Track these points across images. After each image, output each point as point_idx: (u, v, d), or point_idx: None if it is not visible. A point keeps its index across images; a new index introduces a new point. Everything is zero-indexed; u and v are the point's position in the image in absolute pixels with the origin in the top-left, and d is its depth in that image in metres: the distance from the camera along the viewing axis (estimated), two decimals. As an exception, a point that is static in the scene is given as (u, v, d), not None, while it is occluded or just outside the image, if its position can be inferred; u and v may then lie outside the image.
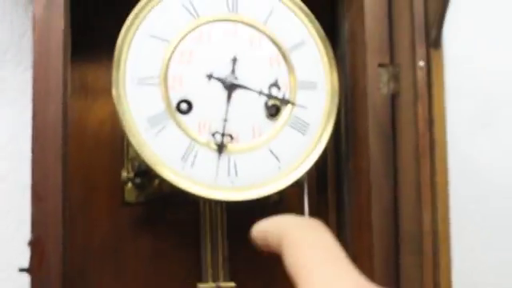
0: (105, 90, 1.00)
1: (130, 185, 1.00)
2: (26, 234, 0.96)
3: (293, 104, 0.90)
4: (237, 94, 0.90)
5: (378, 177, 0.91)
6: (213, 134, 0.88)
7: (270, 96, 0.89)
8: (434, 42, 0.91)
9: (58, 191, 0.81)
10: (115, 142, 1.01)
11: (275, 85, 0.90)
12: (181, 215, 1.02)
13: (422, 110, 0.91)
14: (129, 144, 0.99)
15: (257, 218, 1.00)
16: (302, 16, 0.94)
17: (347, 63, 1.00)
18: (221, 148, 0.88)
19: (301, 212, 0.98)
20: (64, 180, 0.82)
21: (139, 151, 0.86)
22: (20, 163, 1.02)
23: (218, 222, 0.96)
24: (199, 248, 0.97)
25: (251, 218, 1.00)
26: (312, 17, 0.94)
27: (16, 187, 1.01)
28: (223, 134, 0.88)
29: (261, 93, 0.89)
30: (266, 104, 0.90)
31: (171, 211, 1.02)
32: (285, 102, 0.90)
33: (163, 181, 0.86)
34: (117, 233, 1.02)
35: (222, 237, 0.96)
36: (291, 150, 0.91)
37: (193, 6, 0.90)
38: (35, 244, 0.80)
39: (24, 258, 0.95)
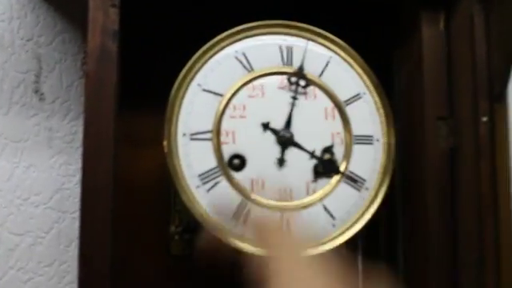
0: (153, 141, 0.98)
1: (176, 237, 0.98)
2: (69, 286, 0.94)
3: (342, 174, 0.86)
4: (290, 150, 0.87)
5: (436, 239, 0.87)
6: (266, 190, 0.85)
7: (321, 161, 0.86)
8: (497, 96, 0.87)
9: (105, 251, 0.79)
10: (162, 193, 0.98)
11: (329, 151, 0.86)
12: (225, 268, 0.98)
13: (484, 166, 0.87)
14: (176, 196, 0.97)
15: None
16: (358, 68, 0.91)
17: (404, 116, 0.96)
18: (274, 205, 0.85)
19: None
20: (111, 240, 0.80)
21: (190, 208, 0.83)
22: (65, 214, 1.00)
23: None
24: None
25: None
26: (368, 69, 0.91)
27: (60, 239, 0.99)
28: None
29: (313, 156, 0.86)
30: (315, 167, 0.86)
31: (215, 264, 0.99)
32: (334, 170, 0.86)
33: (215, 238, 0.83)
34: (162, 285, 0.99)
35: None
36: (346, 207, 0.87)
37: (247, 59, 0.88)
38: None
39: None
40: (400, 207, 0.95)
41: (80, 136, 1.01)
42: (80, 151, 0.98)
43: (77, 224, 0.96)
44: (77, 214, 1.00)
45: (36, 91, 1.01)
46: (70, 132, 1.01)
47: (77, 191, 1.00)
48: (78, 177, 1.01)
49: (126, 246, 0.96)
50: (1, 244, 0.98)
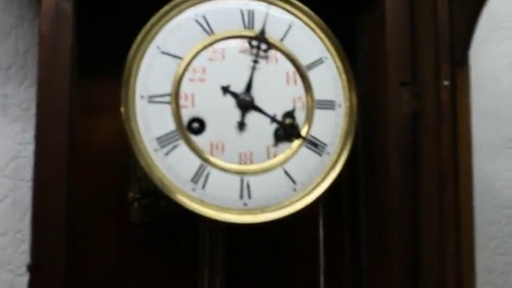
0: (112, 107, 0.96)
1: (135, 205, 0.96)
2: (25, 255, 0.92)
3: (303, 138, 0.85)
4: (251, 113, 0.85)
5: (398, 202, 0.87)
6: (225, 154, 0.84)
7: (282, 126, 0.85)
8: (459, 60, 0.87)
9: (60, 211, 0.77)
10: (122, 162, 0.97)
11: (290, 115, 0.85)
12: (184, 235, 0.97)
13: (445, 131, 0.87)
14: (136, 164, 0.95)
15: (259, 240, 0.97)
16: (320, 33, 0.90)
17: (366, 81, 0.95)
18: (234, 169, 0.83)
19: (314, 236, 0.94)
20: (67, 200, 0.78)
21: (148, 172, 0.81)
22: (21, 182, 0.98)
23: (217, 243, 0.92)
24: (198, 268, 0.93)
25: (253, 238, 0.97)
26: (330, 33, 0.91)
27: (15, 207, 0.97)
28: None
29: (274, 120, 0.85)
30: (276, 131, 0.85)
31: (175, 231, 0.98)
32: (295, 135, 0.85)
33: (173, 203, 0.82)
34: (121, 252, 0.97)
35: (222, 257, 0.92)
36: (307, 171, 0.86)
37: (207, 22, 0.86)
38: (35, 268, 0.76)
39: (24, 280, 0.91)
40: (362, 172, 0.95)
41: (37, 103, 0.99)
42: (37, 119, 0.96)
43: (34, 192, 0.94)
44: (34, 182, 0.97)
45: (-10, 57, 0.99)
46: (25, 99, 0.99)
47: (34, 159, 0.98)
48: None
49: (86, 212, 0.95)
50: (-46, 212, 0.95)
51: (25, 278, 0.91)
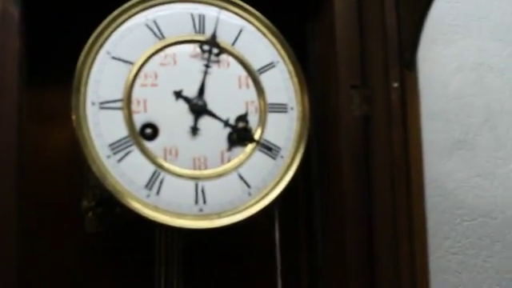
0: (63, 114, 0.95)
1: (90, 214, 0.95)
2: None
3: (257, 142, 0.86)
4: (204, 118, 0.85)
5: (352, 203, 0.88)
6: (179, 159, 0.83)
7: (235, 130, 0.85)
8: (407, 63, 0.89)
9: (12, 223, 0.76)
10: (75, 170, 0.95)
11: (243, 119, 0.86)
12: (140, 243, 0.96)
13: (396, 131, 0.88)
14: (89, 171, 0.94)
15: (216, 244, 0.97)
16: (272, 37, 0.91)
17: (317, 86, 0.96)
18: (188, 174, 0.83)
19: (270, 240, 0.94)
20: (18, 211, 0.77)
21: (101, 179, 0.81)
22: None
23: (173, 250, 0.92)
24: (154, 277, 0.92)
25: (209, 243, 0.97)
26: (282, 38, 0.91)
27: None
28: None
29: (227, 124, 0.85)
30: (229, 135, 0.86)
31: (131, 239, 0.97)
32: (249, 139, 0.85)
33: (127, 210, 0.81)
34: (77, 263, 0.96)
35: (178, 264, 0.91)
36: (261, 175, 0.87)
37: (158, 27, 0.86)
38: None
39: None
40: (316, 174, 0.95)
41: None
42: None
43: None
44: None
45: None
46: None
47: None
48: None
49: (39, 221, 0.93)
50: None
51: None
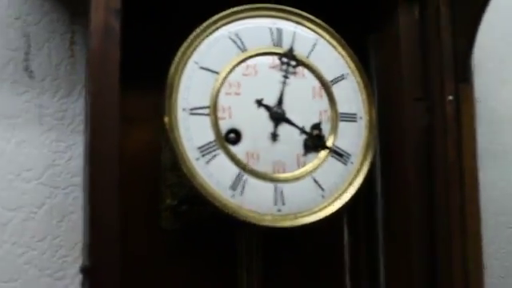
0: (141, 119, 1.02)
1: (167, 212, 1.01)
2: (62, 259, 0.97)
3: (329, 149, 0.93)
4: (282, 125, 0.92)
5: (415, 206, 0.95)
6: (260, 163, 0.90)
7: (310, 137, 0.92)
8: (462, 77, 0.96)
9: (115, 219, 0.82)
10: (151, 169, 1.02)
11: (317, 127, 0.92)
12: (216, 241, 1.03)
13: (450, 141, 0.95)
14: (166, 171, 1.01)
15: (292, 244, 1.04)
16: (342, 50, 0.98)
17: (381, 97, 1.03)
18: (268, 176, 0.90)
19: (339, 241, 1.01)
20: (119, 206, 0.83)
21: (191, 179, 0.87)
22: (56, 190, 1.02)
23: (253, 248, 0.98)
24: (235, 273, 0.98)
25: (287, 243, 1.04)
26: (350, 51, 0.98)
27: (52, 214, 1.02)
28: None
29: (303, 132, 0.92)
30: (305, 141, 0.92)
31: (206, 237, 1.03)
32: (322, 145, 0.92)
33: (214, 208, 0.88)
34: (153, 258, 1.02)
35: (258, 263, 0.98)
36: (334, 180, 0.94)
37: (240, 39, 0.93)
38: (92, 271, 0.81)
39: (62, 284, 0.96)
40: (381, 179, 1.02)
41: (71, 113, 1.04)
42: (70, 128, 1.02)
43: (69, 199, 1.00)
44: (69, 190, 1.03)
45: (26, 69, 1.03)
46: (60, 109, 1.04)
47: (68, 167, 1.03)
48: (69, 153, 1.03)
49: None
50: (-6, 219, 0.99)
51: (62, 282, 0.97)
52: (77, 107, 1.04)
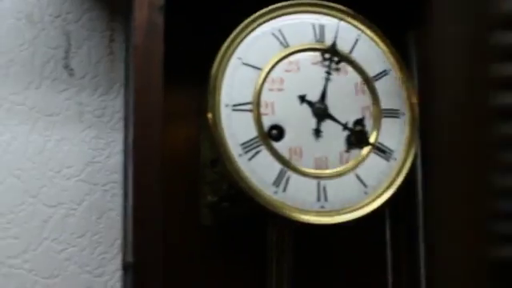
0: (180, 115, 1.02)
1: (207, 208, 1.01)
2: (102, 256, 0.97)
3: (372, 145, 0.92)
4: (325, 121, 0.92)
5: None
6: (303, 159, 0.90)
7: (353, 133, 0.91)
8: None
9: (159, 216, 0.82)
10: (190, 166, 1.02)
11: (360, 123, 0.92)
12: (251, 238, 1.02)
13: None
14: (205, 167, 1.01)
15: (325, 242, 1.03)
16: (383, 46, 0.97)
17: (420, 92, 1.02)
18: (311, 173, 0.89)
19: (381, 237, 1.00)
20: (162, 203, 0.83)
21: (234, 175, 0.87)
22: (96, 186, 1.02)
23: (284, 245, 0.97)
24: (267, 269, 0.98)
25: (319, 241, 1.03)
26: (392, 46, 0.97)
27: (92, 210, 1.02)
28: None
29: (346, 128, 0.91)
30: (348, 138, 0.92)
31: (243, 234, 1.03)
32: (365, 141, 0.91)
33: (257, 205, 0.87)
34: (191, 254, 1.02)
35: (288, 260, 0.97)
36: (376, 176, 0.93)
37: (282, 35, 0.92)
38: (136, 267, 0.81)
39: (102, 281, 0.96)
40: (421, 178, 1.01)
41: (110, 111, 1.05)
42: (110, 125, 1.02)
43: (108, 196, 1.00)
44: (108, 187, 1.03)
45: (66, 66, 1.03)
46: (99, 107, 1.04)
47: (108, 164, 1.03)
48: (108, 150, 1.03)
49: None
50: (35, 215, 0.99)
51: (102, 279, 0.97)
52: (116, 104, 1.04)
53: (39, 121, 1.01)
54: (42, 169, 1.00)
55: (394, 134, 0.94)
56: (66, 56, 1.03)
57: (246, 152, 0.88)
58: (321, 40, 0.94)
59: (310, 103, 0.91)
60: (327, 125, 0.91)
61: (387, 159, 0.93)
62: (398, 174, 0.94)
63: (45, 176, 1.00)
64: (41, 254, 0.99)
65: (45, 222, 1.00)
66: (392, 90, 0.96)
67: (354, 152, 0.92)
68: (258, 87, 0.90)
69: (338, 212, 0.90)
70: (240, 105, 0.89)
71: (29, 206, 1.00)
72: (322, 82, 0.92)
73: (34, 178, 1.00)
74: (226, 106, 0.88)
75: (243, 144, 0.88)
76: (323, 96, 0.92)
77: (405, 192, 1.00)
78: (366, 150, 0.93)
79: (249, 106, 0.89)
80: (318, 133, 0.90)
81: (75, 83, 1.03)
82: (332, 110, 0.92)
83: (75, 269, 1.00)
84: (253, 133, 0.89)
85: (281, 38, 0.92)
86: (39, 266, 0.99)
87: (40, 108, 1.01)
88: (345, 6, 0.97)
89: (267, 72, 0.91)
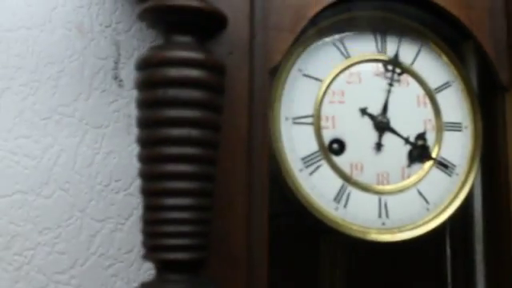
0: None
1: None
2: (149, 272, 0.94)
3: (434, 159, 0.88)
4: (387, 135, 0.88)
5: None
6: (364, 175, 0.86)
7: (415, 147, 0.88)
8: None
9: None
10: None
11: (422, 137, 0.88)
12: (302, 252, 0.99)
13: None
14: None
15: (377, 259, 0.99)
16: (445, 57, 0.94)
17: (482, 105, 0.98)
18: (372, 188, 0.86)
19: (440, 255, 0.96)
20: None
21: (294, 191, 0.84)
22: (144, 200, 0.99)
23: (336, 262, 0.94)
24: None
25: (371, 258, 0.99)
26: (454, 58, 0.94)
27: (139, 225, 0.98)
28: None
29: (407, 142, 0.88)
30: (409, 152, 0.88)
31: (293, 247, 1.00)
32: (427, 156, 0.88)
33: (317, 221, 0.84)
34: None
35: (341, 275, 0.94)
36: (438, 192, 0.89)
37: (344, 46, 0.89)
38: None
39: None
40: (482, 192, 0.97)
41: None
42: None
43: (157, 211, 0.96)
44: (158, 201, 0.99)
45: (115, 77, 1.01)
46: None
47: (157, 178, 1.00)
48: (157, 163, 1.00)
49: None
50: (83, 230, 0.97)
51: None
52: (165, 116, 1.01)
53: (88, 133, 0.98)
54: (90, 182, 0.98)
55: (457, 149, 0.91)
56: (116, 67, 1.01)
57: (307, 167, 0.85)
58: (383, 51, 0.91)
59: (371, 116, 0.88)
60: (388, 138, 0.88)
61: (450, 174, 0.90)
62: (460, 190, 0.90)
63: (93, 190, 0.98)
64: (88, 269, 0.96)
65: (92, 237, 0.97)
66: (454, 103, 0.92)
67: (416, 167, 0.89)
68: (318, 99, 0.87)
69: (400, 229, 0.87)
70: (300, 118, 0.86)
71: (76, 220, 0.97)
72: (384, 95, 0.89)
73: (82, 191, 0.97)
74: (286, 119, 0.85)
75: (304, 158, 0.85)
76: (385, 108, 0.88)
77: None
78: (427, 164, 0.89)
79: (309, 119, 0.86)
80: (379, 147, 0.87)
81: (124, 94, 1.01)
82: (394, 123, 0.89)
83: (122, 285, 0.97)
84: (313, 147, 0.85)
85: (342, 48, 0.89)
86: (86, 281, 0.96)
87: (89, 120, 0.99)
88: (406, 18, 0.93)
89: (328, 84, 0.88)
